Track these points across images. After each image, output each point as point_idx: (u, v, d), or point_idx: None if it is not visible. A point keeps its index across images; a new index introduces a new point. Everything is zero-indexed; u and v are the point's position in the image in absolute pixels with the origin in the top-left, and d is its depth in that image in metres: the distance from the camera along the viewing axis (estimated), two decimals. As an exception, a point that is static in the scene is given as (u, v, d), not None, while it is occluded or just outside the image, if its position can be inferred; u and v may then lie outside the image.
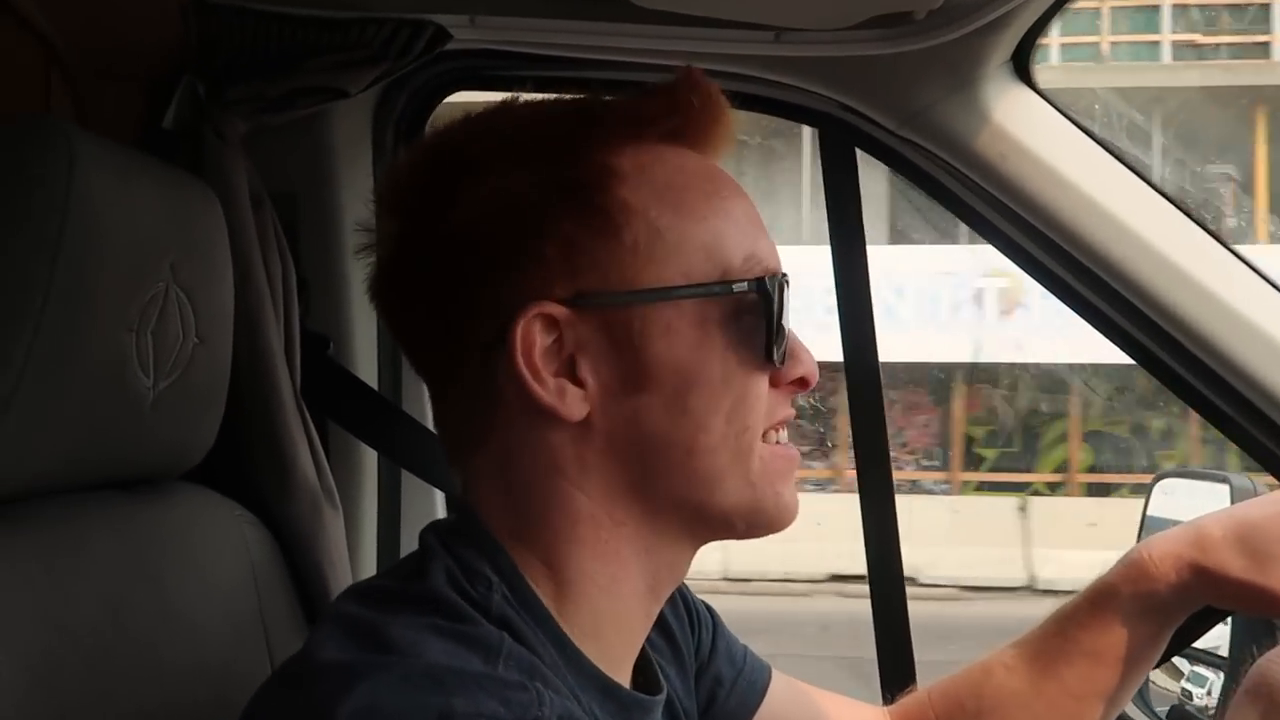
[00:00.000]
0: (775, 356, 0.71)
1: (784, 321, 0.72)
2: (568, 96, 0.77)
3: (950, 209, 1.27)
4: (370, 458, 1.30)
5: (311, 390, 1.19)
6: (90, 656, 0.78)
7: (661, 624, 0.90)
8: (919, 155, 1.24)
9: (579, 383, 0.69)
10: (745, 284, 0.71)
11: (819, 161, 1.34)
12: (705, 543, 0.76)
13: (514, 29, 1.22)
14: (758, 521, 0.73)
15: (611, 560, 0.71)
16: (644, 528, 0.72)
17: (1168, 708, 1.07)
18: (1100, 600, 0.92)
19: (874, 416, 1.35)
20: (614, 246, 0.69)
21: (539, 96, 0.77)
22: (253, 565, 0.99)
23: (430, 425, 1.23)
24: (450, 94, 1.34)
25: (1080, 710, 0.93)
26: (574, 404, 0.69)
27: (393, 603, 0.66)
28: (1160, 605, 0.90)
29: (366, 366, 1.30)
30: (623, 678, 0.74)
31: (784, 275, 0.73)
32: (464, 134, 0.76)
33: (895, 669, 1.31)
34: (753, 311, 0.71)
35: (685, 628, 0.92)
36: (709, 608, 0.96)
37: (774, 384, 0.74)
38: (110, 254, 0.78)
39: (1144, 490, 1.27)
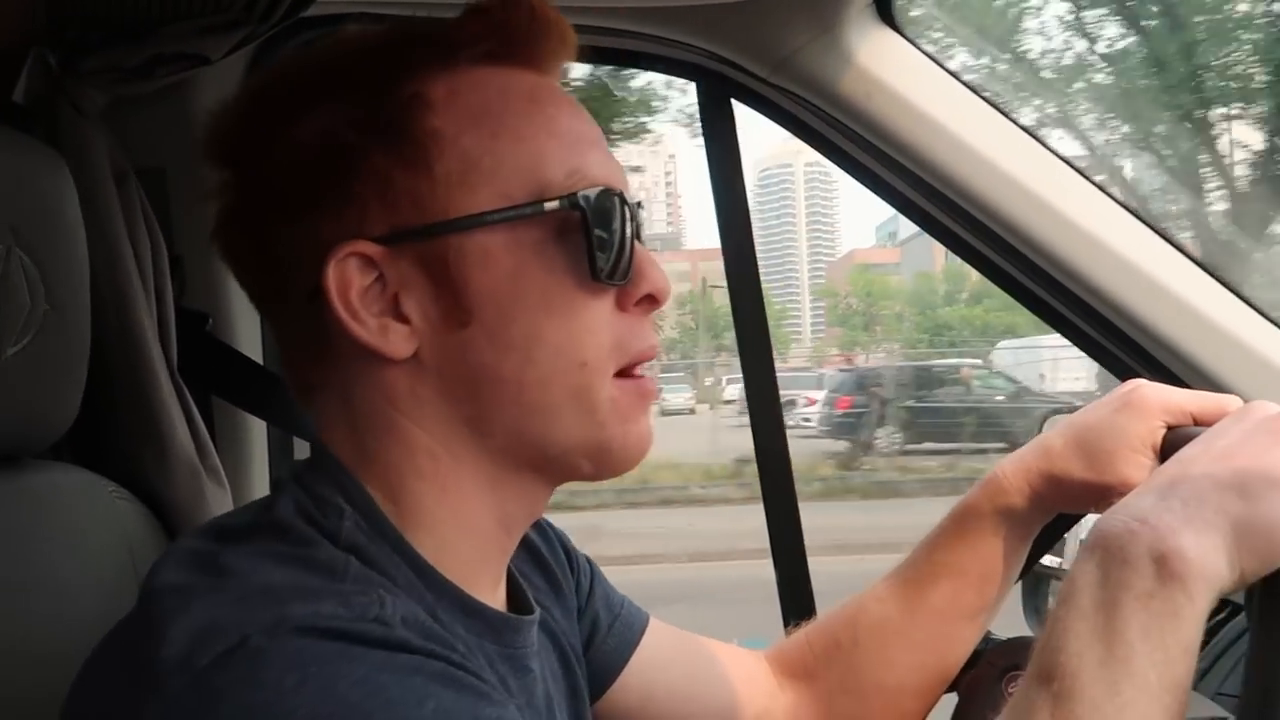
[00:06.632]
0: (602, 275, 0.67)
1: (615, 237, 0.68)
2: (382, 27, 0.73)
3: (825, 154, 1.29)
4: (260, 431, 1.29)
5: (192, 367, 1.17)
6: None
7: (542, 565, 0.91)
8: (792, 102, 1.26)
9: (404, 319, 0.68)
10: (557, 201, 0.67)
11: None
12: (558, 481, 0.73)
13: (379, -9, 1.22)
14: (604, 461, 0.71)
15: (453, 493, 0.69)
16: (484, 463, 0.70)
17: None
18: (962, 520, 0.95)
19: (765, 375, 1.38)
20: (426, 178, 0.67)
21: (357, 29, 0.73)
22: (129, 539, 0.97)
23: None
24: (321, 62, 1.33)
25: (949, 630, 0.96)
26: (397, 342, 0.67)
27: (233, 535, 0.65)
28: (1017, 516, 0.93)
29: (250, 340, 1.28)
30: (490, 603, 0.72)
31: (614, 190, 0.69)
32: (280, 75, 0.73)
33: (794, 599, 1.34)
34: (574, 230, 0.67)
35: (566, 572, 0.93)
36: (588, 559, 0.97)
37: (622, 307, 0.70)
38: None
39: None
